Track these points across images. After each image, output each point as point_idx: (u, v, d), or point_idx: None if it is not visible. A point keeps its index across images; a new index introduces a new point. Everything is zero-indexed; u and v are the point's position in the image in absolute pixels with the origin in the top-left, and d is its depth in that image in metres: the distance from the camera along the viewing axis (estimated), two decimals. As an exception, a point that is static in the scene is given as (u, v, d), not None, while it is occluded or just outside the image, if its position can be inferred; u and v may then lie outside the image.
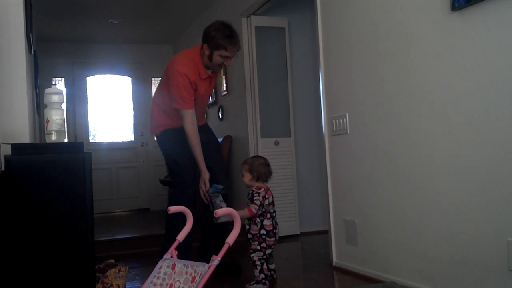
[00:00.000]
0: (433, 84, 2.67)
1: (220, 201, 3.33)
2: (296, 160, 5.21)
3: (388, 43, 3.00)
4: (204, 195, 3.48)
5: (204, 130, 3.73)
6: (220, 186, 3.38)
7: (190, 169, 3.53)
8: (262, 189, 3.21)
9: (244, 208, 3.15)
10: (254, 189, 3.22)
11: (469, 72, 2.44)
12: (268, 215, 3.19)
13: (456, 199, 2.53)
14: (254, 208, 3.14)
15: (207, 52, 3.42)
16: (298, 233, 5.09)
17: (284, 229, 5.00)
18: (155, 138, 3.80)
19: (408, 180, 2.88)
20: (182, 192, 3.47)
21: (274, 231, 3.19)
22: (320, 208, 5.13)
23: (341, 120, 3.50)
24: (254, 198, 3.17)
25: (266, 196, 3.21)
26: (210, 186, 3.42)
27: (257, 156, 3.57)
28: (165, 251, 3.41)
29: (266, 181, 3.32)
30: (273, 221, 3.21)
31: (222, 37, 3.37)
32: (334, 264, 3.64)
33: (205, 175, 3.47)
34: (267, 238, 3.16)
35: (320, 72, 3.76)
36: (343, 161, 3.53)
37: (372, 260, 3.22)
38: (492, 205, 2.32)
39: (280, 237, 4.33)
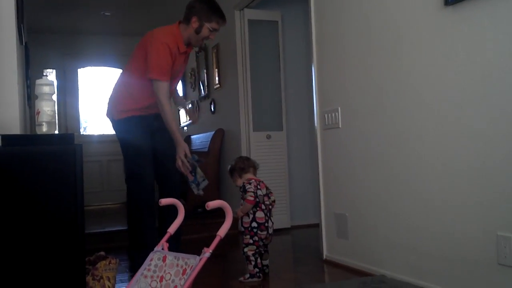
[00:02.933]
0: (425, 78, 2.68)
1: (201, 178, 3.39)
2: (288, 153, 5.22)
3: (381, 37, 3.01)
4: (183, 165, 3.35)
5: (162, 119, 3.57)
6: (196, 156, 3.38)
7: (149, 160, 3.46)
8: (253, 180, 3.22)
9: (244, 203, 3.16)
10: (245, 182, 3.23)
11: (461, 67, 2.44)
12: (263, 206, 3.18)
13: (446, 194, 2.55)
14: (250, 196, 3.14)
15: (195, 25, 3.37)
16: (289, 226, 5.11)
17: (275, 223, 4.98)
18: (113, 122, 3.56)
19: (399, 175, 2.89)
20: (140, 182, 3.41)
21: (266, 224, 3.18)
22: (311, 202, 5.14)
23: (333, 114, 3.50)
24: (247, 187, 3.18)
25: (259, 187, 3.20)
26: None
27: (236, 158, 3.54)
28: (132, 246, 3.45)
29: (248, 172, 3.32)
30: (266, 214, 3.20)
31: (215, 10, 3.40)
32: (324, 257, 3.66)
33: (184, 145, 3.36)
34: (259, 231, 3.15)
35: (312, 66, 3.76)
36: (335, 155, 3.53)
37: (363, 253, 3.24)
38: (483, 200, 2.34)
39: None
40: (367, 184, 3.18)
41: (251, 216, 3.17)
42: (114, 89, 3.62)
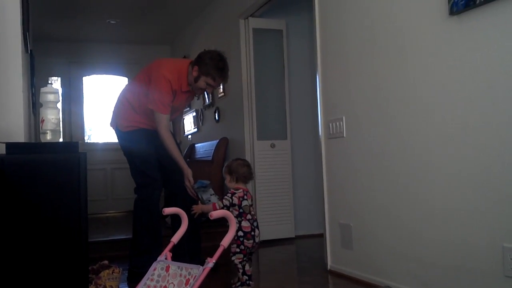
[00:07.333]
0: (430, 88, 2.66)
1: (211, 195, 3.42)
2: (292, 162, 5.20)
3: (385, 46, 3.00)
4: (191, 191, 3.49)
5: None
6: (207, 182, 3.46)
7: (158, 169, 3.58)
8: (240, 190, 3.21)
9: (208, 203, 3.23)
10: (231, 190, 3.23)
11: (466, 76, 2.43)
12: (249, 216, 3.17)
13: (451, 204, 2.53)
14: (218, 205, 3.15)
15: (195, 74, 3.47)
16: (293, 236, 5.08)
17: (279, 232, 5.01)
18: (119, 133, 3.68)
19: (403, 184, 2.88)
20: (153, 190, 3.54)
21: (252, 233, 3.16)
22: (315, 212, 5.12)
23: (337, 124, 3.49)
24: (225, 196, 3.18)
25: (245, 198, 3.19)
26: (195, 182, 3.48)
27: (237, 158, 3.50)
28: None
29: (246, 182, 3.30)
30: (252, 224, 3.18)
31: (215, 67, 3.43)
32: (329, 268, 3.63)
33: (188, 171, 3.50)
34: (245, 240, 3.13)
35: (317, 75, 3.76)
36: (339, 165, 3.52)
37: (367, 264, 3.22)
38: (488, 211, 2.32)
39: (275, 240, 4.25)
40: (372, 194, 3.16)
41: (237, 225, 3.15)
42: (119, 101, 3.74)
